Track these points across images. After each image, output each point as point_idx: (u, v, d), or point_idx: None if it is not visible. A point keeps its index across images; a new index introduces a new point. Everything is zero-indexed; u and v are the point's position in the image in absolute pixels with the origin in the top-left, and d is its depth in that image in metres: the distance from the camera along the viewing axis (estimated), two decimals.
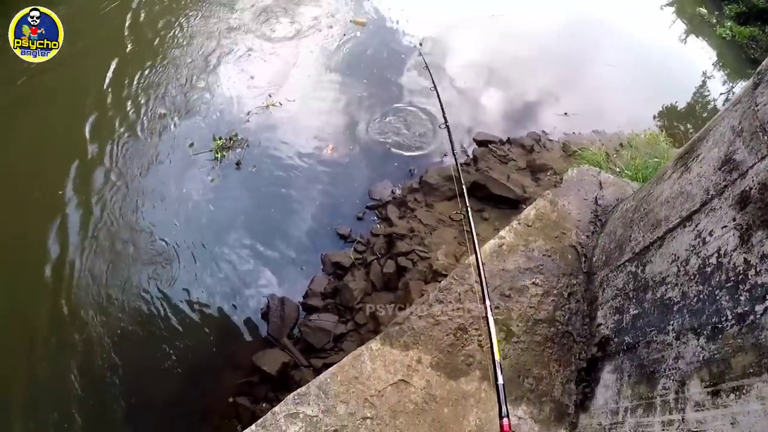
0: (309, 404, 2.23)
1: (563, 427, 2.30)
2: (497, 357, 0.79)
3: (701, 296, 1.83)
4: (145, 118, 5.38)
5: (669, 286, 2.06)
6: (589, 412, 2.33)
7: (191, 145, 5.12)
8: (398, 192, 4.73)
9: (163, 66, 6.00)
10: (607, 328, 2.37)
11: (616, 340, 2.31)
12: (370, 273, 3.95)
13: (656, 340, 2.04)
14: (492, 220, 4.10)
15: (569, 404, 2.35)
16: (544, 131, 5.45)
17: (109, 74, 5.66)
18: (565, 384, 2.37)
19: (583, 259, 2.65)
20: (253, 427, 2.24)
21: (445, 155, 5.08)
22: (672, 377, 1.87)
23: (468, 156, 5.05)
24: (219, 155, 4.97)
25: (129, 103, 5.50)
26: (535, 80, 6.28)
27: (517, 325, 2.40)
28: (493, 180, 4.26)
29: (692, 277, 1.93)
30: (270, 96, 5.67)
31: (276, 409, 2.25)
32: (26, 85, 5.28)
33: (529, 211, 2.78)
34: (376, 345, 2.30)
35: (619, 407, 2.15)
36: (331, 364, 2.88)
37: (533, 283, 2.50)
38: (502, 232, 2.65)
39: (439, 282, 3.36)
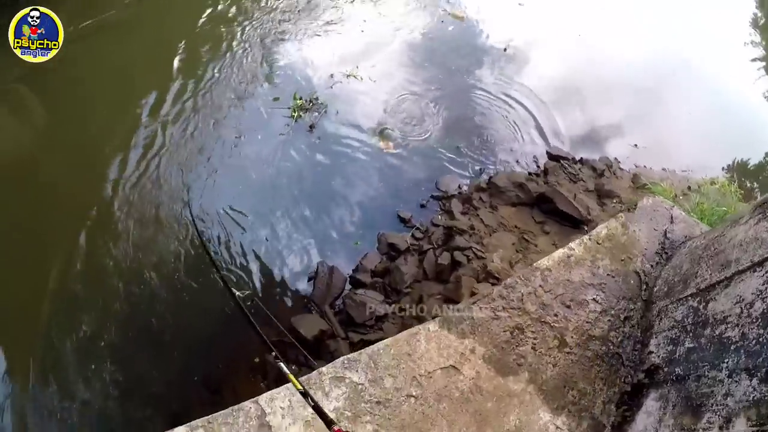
0: (357, 371, 2.58)
1: None
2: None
3: (761, 339, 2.25)
4: (234, 64, 6.28)
5: (729, 325, 2.51)
6: None
7: (276, 99, 5.91)
8: (465, 188, 5.32)
9: (267, 14, 6.96)
10: (659, 357, 2.83)
11: (665, 369, 2.76)
12: (424, 261, 4.42)
13: (708, 375, 2.48)
14: (552, 234, 4.60)
15: (606, 425, 2.79)
16: (616, 159, 6.06)
17: (204, 18, 6.65)
18: (606, 404, 2.80)
19: (644, 286, 3.08)
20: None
21: (518, 161, 5.77)
22: (718, 413, 2.26)
23: (538, 167, 5.69)
24: (296, 114, 5.67)
25: (223, 45, 6.46)
26: (611, 106, 6.89)
27: (572, 337, 2.74)
28: (561, 195, 4.77)
29: (754, 320, 2.37)
30: (357, 68, 6.46)
31: (323, 369, 2.61)
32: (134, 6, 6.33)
33: (600, 229, 3.12)
34: (434, 327, 2.60)
35: None
36: (368, 342, 3.30)
37: (594, 299, 2.82)
38: (572, 244, 3.06)
39: (491, 283, 3.86)
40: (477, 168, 5.70)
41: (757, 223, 2.57)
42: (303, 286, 4.63)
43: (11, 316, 4.23)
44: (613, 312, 2.89)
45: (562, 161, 5.60)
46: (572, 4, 8.61)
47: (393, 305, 4.17)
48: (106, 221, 4.78)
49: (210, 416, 2.36)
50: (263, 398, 2.45)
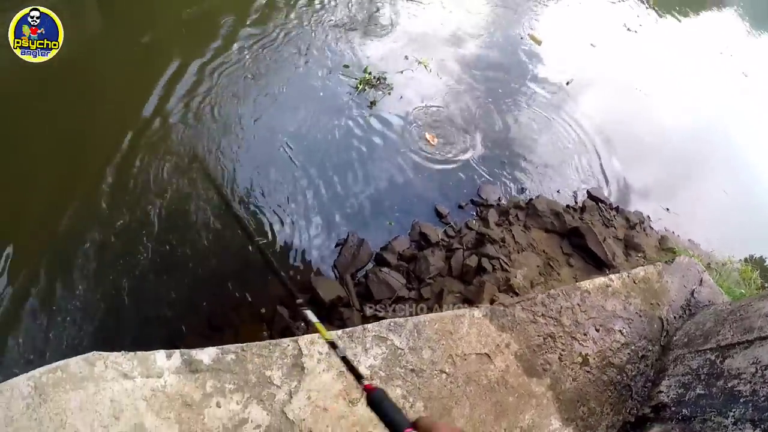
0: (400, 336, 2.77)
1: None
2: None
3: None
4: (316, 19, 6.68)
5: (742, 381, 2.79)
6: None
7: (346, 66, 6.23)
8: (504, 201, 5.61)
9: None
10: (668, 396, 3.10)
11: (673, 408, 3.02)
12: (452, 258, 4.64)
13: (714, 420, 2.75)
14: (575, 269, 4.84)
15: None
16: (648, 217, 6.37)
17: None
18: (609, 428, 3.06)
19: (665, 333, 3.34)
20: (340, 332, 2.74)
21: (558, 191, 6.10)
22: None
23: (576, 202, 6.02)
24: (361, 87, 5.98)
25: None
26: (652, 164, 7.25)
27: (594, 358, 2.95)
28: (593, 234, 5.03)
29: (767, 381, 2.73)
30: (430, 58, 6.82)
31: (369, 326, 2.80)
32: None
33: (639, 271, 3.38)
34: (479, 314, 2.81)
35: None
36: (381, 319, 3.56)
37: (620, 330, 3.04)
38: (612, 276, 3.31)
39: (510, 296, 4.13)
40: (519, 186, 6.00)
41: None
42: (329, 250, 4.84)
43: (34, 211, 4.36)
44: (633, 347, 3.16)
45: (599, 204, 5.91)
46: (638, 56, 9.02)
47: (412, 291, 4.41)
48: (148, 140, 4.96)
49: (245, 344, 2.48)
50: (303, 339, 2.58)
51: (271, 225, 4.84)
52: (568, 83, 7.67)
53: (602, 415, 2.95)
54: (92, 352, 2.21)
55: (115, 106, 5.16)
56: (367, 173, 5.48)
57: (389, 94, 6.19)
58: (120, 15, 5.93)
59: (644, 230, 5.92)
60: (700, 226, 6.71)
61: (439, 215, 5.30)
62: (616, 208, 6.09)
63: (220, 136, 5.23)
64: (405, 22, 7.38)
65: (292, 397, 2.40)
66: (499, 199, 5.68)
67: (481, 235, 4.83)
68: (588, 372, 2.97)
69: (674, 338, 3.24)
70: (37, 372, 2.09)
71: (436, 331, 2.77)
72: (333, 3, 7.05)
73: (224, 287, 4.41)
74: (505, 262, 4.59)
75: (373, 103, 5.98)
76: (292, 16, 6.60)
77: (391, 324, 2.75)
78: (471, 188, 5.76)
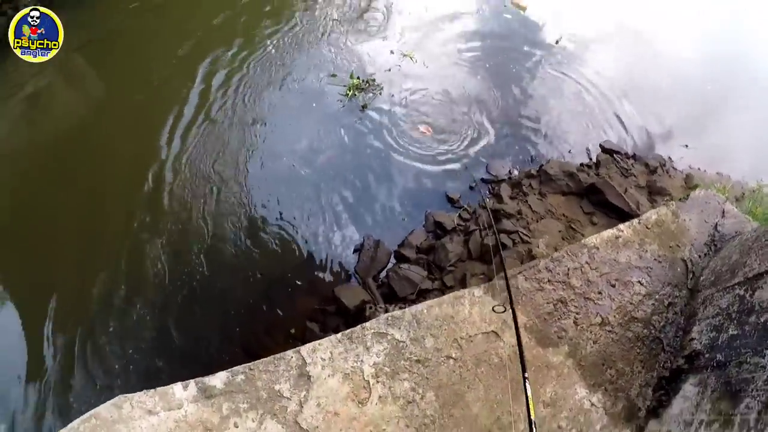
0: (400, 329, 2.67)
1: (629, 428, 2.85)
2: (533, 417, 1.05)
3: None
4: (296, 33, 6.68)
5: None
6: (660, 419, 2.87)
7: (333, 75, 6.18)
8: (515, 173, 5.44)
9: None
10: (700, 343, 2.91)
11: (707, 355, 2.84)
12: (470, 241, 4.52)
13: (750, 361, 2.55)
14: (600, 226, 4.57)
15: (641, 408, 2.87)
16: (669, 158, 6.11)
17: None
18: (643, 387, 2.88)
19: (691, 275, 3.14)
20: (339, 335, 2.70)
21: (570, 151, 5.89)
22: (758, 398, 2.33)
23: (590, 159, 5.79)
24: (350, 93, 5.90)
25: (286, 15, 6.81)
26: (665, 106, 6.88)
27: (614, 316, 2.78)
28: (611, 188, 4.83)
29: None
30: (413, 48, 6.70)
31: (366, 324, 2.70)
32: None
33: (650, 214, 3.20)
34: (479, 292, 2.71)
35: (695, 419, 2.70)
36: None
37: (639, 281, 2.88)
38: (621, 226, 3.14)
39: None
40: (528, 155, 5.81)
41: None
42: (348, 257, 4.79)
43: (68, 271, 4.53)
44: (657, 297, 2.97)
45: (614, 155, 5.66)
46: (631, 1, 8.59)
47: (435, 281, 4.32)
48: (162, 184, 5.06)
49: (251, 363, 2.51)
50: (305, 348, 2.58)
51: (288, 241, 4.82)
52: (557, 42, 7.40)
53: (633, 375, 2.80)
54: (118, 396, 2.32)
55: (128, 159, 5.31)
56: (370, 175, 5.41)
57: (380, 94, 6.11)
58: (115, 74, 6.10)
59: (667, 172, 5.61)
60: (729, 157, 6.31)
61: (451, 201, 5.17)
62: (633, 156, 5.81)
63: (228, 166, 5.29)
64: (392, 17, 7.26)
65: (302, 406, 2.42)
66: (509, 172, 5.51)
67: (496, 212, 4.68)
68: (610, 332, 2.82)
69: (701, 278, 3.04)
70: (75, 423, 2.21)
71: (436, 318, 2.67)
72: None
73: (253, 314, 4.42)
74: (525, 234, 4.44)
75: (364, 107, 5.91)
76: (266, 42, 6.62)
77: (389, 318, 2.68)
78: (479, 166, 5.59)
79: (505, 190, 4.97)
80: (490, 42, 7.15)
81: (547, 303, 2.69)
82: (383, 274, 4.55)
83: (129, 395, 2.33)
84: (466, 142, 5.74)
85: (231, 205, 4.98)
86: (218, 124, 5.58)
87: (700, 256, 3.08)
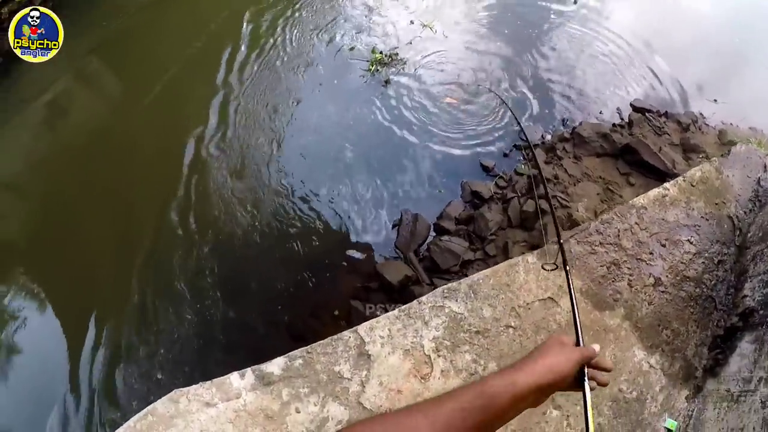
0: (457, 300, 2.67)
1: (687, 388, 2.87)
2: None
3: None
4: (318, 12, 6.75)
5: None
6: (718, 377, 2.89)
7: (351, 48, 6.27)
8: (548, 138, 5.45)
9: None
10: (753, 300, 2.92)
11: (761, 312, 2.84)
12: (508, 209, 4.55)
13: None
14: (637, 186, 4.63)
15: (698, 367, 2.89)
16: (701, 114, 6.07)
17: None
18: (699, 347, 2.89)
19: (738, 232, 3.13)
20: (396, 311, 2.70)
21: (601, 112, 5.89)
22: None
23: (622, 119, 5.78)
24: (373, 68, 5.95)
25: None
26: (691, 61, 6.85)
27: (666, 276, 2.81)
28: (647, 146, 4.84)
29: None
30: (434, 18, 6.74)
31: (422, 298, 2.70)
32: None
33: (694, 172, 3.19)
34: (532, 259, 2.70)
35: (753, 376, 2.72)
36: None
37: (688, 240, 2.88)
38: (666, 184, 3.12)
39: None
40: (559, 118, 5.83)
41: None
42: (386, 233, 4.82)
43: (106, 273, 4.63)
44: (707, 255, 2.97)
45: (646, 114, 5.65)
46: None
47: (477, 251, 4.32)
48: (200, 173, 5.18)
49: (309, 346, 2.51)
50: (362, 327, 2.57)
51: (324, 221, 4.90)
52: (575, 2, 7.29)
53: (688, 335, 2.80)
54: (174, 391, 2.30)
55: (156, 154, 5.40)
56: (401, 149, 5.43)
57: (403, 68, 6.12)
58: (131, 71, 6.20)
59: (699, 129, 5.62)
60: (759, 110, 6.27)
61: (486, 169, 5.19)
62: (665, 114, 5.80)
63: (258, 148, 5.39)
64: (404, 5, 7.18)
65: (364, 386, 2.41)
66: (542, 137, 5.53)
67: (533, 178, 4.68)
68: (663, 292, 2.81)
69: (749, 235, 3.04)
70: (131, 421, 2.18)
71: (492, 287, 2.65)
72: None
73: (295, 298, 4.46)
74: (563, 198, 4.46)
75: (387, 81, 5.92)
76: (279, 29, 6.65)
77: (445, 291, 2.66)
78: (512, 135, 5.57)
79: (539, 155, 4.98)
80: (507, 5, 7.18)
81: (601, 266, 2.68)
82: (424, 247, 4.58)
83: (184, 389, 2.31)
84: (494, 110, 5.69)
85: (261, 190, 5.04)
86: (246, 105, 5.72)
87: (745, 213, 3.08)
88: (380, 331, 2.54)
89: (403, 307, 2.62)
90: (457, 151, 5.40)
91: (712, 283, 2.86)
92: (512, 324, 2.60)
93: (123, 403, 4.03)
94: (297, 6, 6.92)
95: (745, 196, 3.15)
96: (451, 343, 2.54)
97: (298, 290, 4.44)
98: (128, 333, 4.23)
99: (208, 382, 2.37)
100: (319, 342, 2.54)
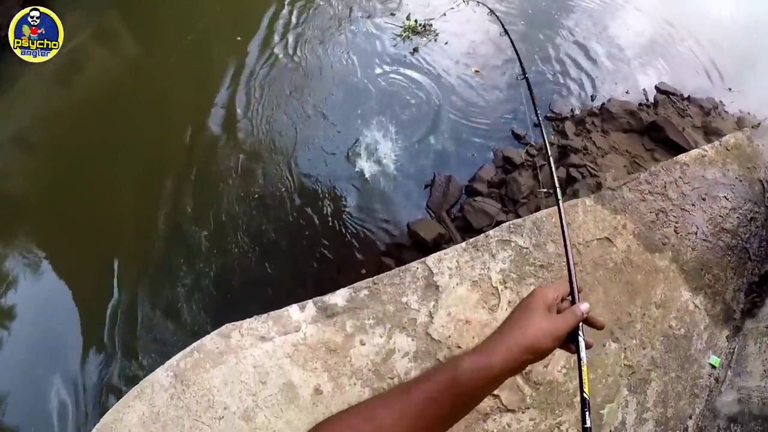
0: (522, 236, 2.91)
1: (728, 329, 3.14)
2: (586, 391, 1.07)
3: None
4: None
5: None
6: (755, 318, 3.17)
7: (392, 14, 6.61)
8: (578, 112, 5.88)
9: None
10: None
11: None
12: (539, 175, 4.88)
13: None
14: (662, 162, 5.03)
15: (736, 310, 3.15)
16: (721, 101, 6.49)
17: None
18: (736, 292, 3.16)
19: (767, 194, 3.54)
20: (463, 244, 2.89)
21: (627, 92, 6.29)
22: None
23: (647, 99, 6.22)
24: (405, 35, 6.31)
25: None
26: (711, 49, 7.30)
27: (707, 227, 3.11)
28: (672, 125, 5.22)
29: None
30: None
31: (490, 232, 2.90)
32: None
33: (729, 138, 3.47)
34: (590, 201, 2.95)
35: None
36: None
37: (725, 197, 3.15)
38: (705, 146, 3.43)
39: None
40: (589, 94, 6.26)
41: None
42: (420, 193, 5.11)
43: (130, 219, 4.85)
44: (741, 211, 3.28)
45: (670, 96, 6.09)
46: None
47: (509, 213, 4.58)
48: (226, 126, 5.45)
49: (375, 277, 2.59)
50: (430, 259, 2.71)
51: (358, 180, 5.18)
52: None
53: (727, 280, 3.07)
54: (225, 325, 2.26)
55: (181, 109, 5.66)
56: (431, 113, 5.75)
57: (435, 40, 6.49)
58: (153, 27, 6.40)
59: (720, 115, 6.07)
60: None
61: (517, 137, 5.57)
62: (688, 98, 6.25)
63: (293, 101, 5.67)
64: None
65: (432, 317, 2.50)
66: (572, 110, 5.94)
67: (563, 147, 5.05)
68: (704, 240, 3.10)
69: None
70: (174, 360, 2.14)
71: (554, 225, 2.89)
72: None
73: (323, 255, 4.68)
74: (593, 168, 4.78)
75: (416, 50, 6.30)
76: None
77: (511, 226, 2.88)
78: (543, 105, 6.00)
79: (569, 128, 5.32)
80: None
81: (650, 212, 2.95)
82: (456, 208, 4.86)
83: (236, 323, 2.28)
84: (521, 82, 6.06)
85: (292, 148, 5.29)
86: (280, 64, 6.02)
87: None
88: (448, 262, 2.68)
89: (470, 240, 2.80)
90: (489, 118, 5.77)
91: (746, 236, 3.16)
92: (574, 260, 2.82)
93: (142, 358, 4.08)
94: None
95: None
96: (517, 276, 2.73)
97: (329, 245, 4.70)
98: (150, 287, 4.43)
99: (264, 315, 2.32)
100: (385, 273, 2.61)
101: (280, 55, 6.02)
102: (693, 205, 3.13)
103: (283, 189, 4.93)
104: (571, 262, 1.36)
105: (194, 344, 2.19)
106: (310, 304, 2.41)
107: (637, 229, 3.00)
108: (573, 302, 1.11)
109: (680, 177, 3.19)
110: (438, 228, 4.55)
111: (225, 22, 6.49)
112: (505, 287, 2.72)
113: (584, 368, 1.02)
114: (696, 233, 3.07)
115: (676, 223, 3.06)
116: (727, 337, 2.97)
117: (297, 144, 5.30)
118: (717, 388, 2.81)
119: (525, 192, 4.72)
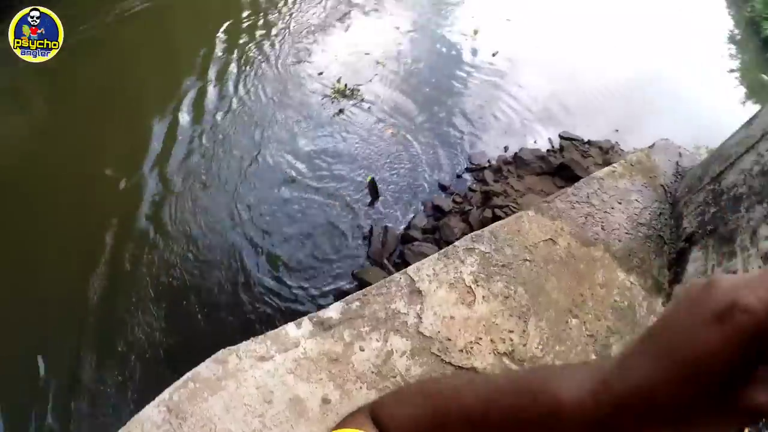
0: (483, 243, 3.60)
1: (661, 297, 3.91)
2: None
3: (762, 183, 3.70)
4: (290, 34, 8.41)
5: (739, 186, 3.69)
6: (682, 282, 4.02)
7: (320, 73, 7.65)
8: (494, 162, 6.86)
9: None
10: (692, 226, 4.05)
11: (699, 231, 3.93)
12: (469, 217, 5.64)
13: (732, 218, 3.57)
14: None
15: (664, 282, 3.91)
16: (617, 142, 7.63)
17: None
18: (661, 268, 3.94)
19: (669, 194, 4.37)
20: (436, 255, 3.44)
21: (535, 141, 7.44)
22: (746, 231, 3.35)
23: (553, 146, 7.38)
24: (334, 96, 7.26)
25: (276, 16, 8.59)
26: (599, 101, 8.73)
27: (627, 223, 3.94)
28: (577, 164, 6.17)
29: (755, 176, 3.60)
30: (385, 61, 8.15)
31: (456, 243, 3.59)
32: None
33: (631, 156, 4.43)
34: (532, 213, 3.68)
35: (707, 266, 3.59)
36: None
37: (636, 199, 3.94)
38: (614, 164, 4.37)
39: None
40: (503, 146, 7.43)
41: (746, 128, 3.98)
42: (358, 246, 5.97)
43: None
44: (651, 209, 4.15)
45: (573, 141, 7.27)
46: (556, 22, 10.36)
47: None
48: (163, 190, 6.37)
49: (364, 290, 3.06)
50: (411, 269, 3.29)
51: (298, 243, 5.94)
52: (494, 55, 9.10)
53: (651, 262, 3.90)
54: (219, 351, 2.33)
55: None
56: (357, 172, 6.78)
57: (361, 101, 7.56)
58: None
59: (617, 152, 7.22)
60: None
61: (444, 188, 6.62)
62: (588, 142, 7.43)
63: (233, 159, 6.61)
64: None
65: (421, 317, 2.84)
66: (488, 161, 7.04)
67: (485, 193, 5.97)
68: (627, 233, 3.96)
69: (677, 193, 4.31)
70: (165, 394, 2.12)
71: (508, 232, 3.69)
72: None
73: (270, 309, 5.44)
74: (515, 207, 5.67)
75: (341, 111, 7.34)
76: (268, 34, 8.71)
77: (473, 236, 3.64)
78: (461, 160, 7.16)
79: (488, 176, 6.37)
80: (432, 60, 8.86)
81: (580, 216, 3.76)
82: (395, 255, 5.62)
83: (232, 347, 2.35)
84: (436, 142, 7.27)
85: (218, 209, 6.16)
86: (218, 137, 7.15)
87: (671, 183, 4.36)
88: (426, 270, 3.25)
89: (441, 251, 3.47)
90: (413, 174, 6.82)
91: (659, 226, 4.01)
92: (528, 258, 3.60)
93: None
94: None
95: (670, 172, 4.41)
96: (485, 275, 3.38)
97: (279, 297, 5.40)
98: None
99: (261, 336, 2.41)
100: (372, 285, 3.08)
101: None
102: (612, 208, 4.00)
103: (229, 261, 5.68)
104: None
105: (187, 374, 2.21)
106: (305, 320, 2.61)
107: (573, 230, 3.82)
108: None
109: (599, 188, 4.09)
110: (382, 273, 5.20)
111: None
112: (478, 285, 3.37)
113: None
114: (619, 228, 3.92)
115: (602, 222, 3.91)
116: (662, 303, 3.72)
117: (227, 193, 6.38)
118: None
119: (458, 234, 5.51)
